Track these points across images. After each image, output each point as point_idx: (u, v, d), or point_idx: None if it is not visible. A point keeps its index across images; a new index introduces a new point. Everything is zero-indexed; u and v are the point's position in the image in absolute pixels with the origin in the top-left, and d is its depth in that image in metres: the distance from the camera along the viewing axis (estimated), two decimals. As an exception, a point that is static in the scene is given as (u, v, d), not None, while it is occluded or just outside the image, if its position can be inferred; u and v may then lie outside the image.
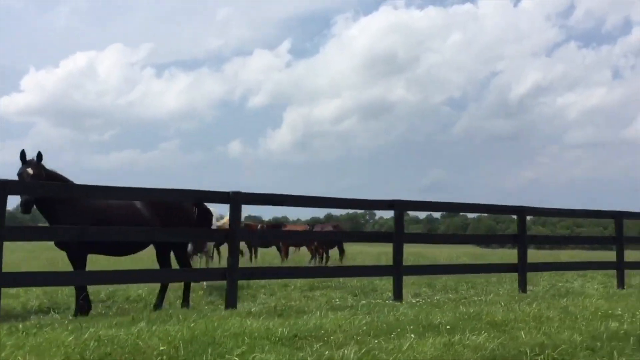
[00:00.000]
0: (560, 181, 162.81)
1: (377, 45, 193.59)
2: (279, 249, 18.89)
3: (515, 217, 9.09)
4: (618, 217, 9.84)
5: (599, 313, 5.98)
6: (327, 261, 17.27)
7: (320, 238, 15.40)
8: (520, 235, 8.79)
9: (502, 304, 6.62)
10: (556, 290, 9.82)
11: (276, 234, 15.81)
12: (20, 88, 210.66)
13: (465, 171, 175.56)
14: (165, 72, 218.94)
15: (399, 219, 7.71)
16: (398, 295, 7.38)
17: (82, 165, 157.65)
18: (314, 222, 20.49)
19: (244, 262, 14.75)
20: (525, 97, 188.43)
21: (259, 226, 18.77)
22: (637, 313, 5.92)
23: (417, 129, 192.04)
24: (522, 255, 8.67)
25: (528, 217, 9.04)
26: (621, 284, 9.66)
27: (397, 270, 7.54)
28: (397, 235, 7.64)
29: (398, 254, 7.54)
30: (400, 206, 7.77)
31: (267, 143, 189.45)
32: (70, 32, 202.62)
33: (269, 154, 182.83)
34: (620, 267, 9.73)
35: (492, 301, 7.05)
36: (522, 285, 8.61)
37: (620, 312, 5.97)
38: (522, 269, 8.67)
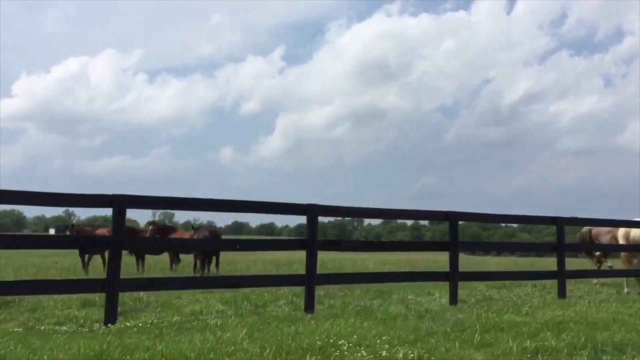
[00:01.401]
0: (551, 188, 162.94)
1: (369, 52, 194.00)
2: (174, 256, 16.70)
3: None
4: (559, 222, 9.37)
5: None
6: (206, 271, 15.09)
7: (201, 247, 13.04)
8: (453, 242, 8.33)
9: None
10: (488, 300, 9.31)
11: (151, 242, 13.63)
12: (11, 93, 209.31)
13: (456, 178, 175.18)
14: (157, 78, 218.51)
15: (312, 223, 7.20)
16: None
17: (73, 171, 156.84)
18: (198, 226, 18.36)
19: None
20: (517, 104, 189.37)
21: (149, 231, 15.98)
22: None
23: (409, 136, 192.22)
24: (454, 260, 8.18)
25: (460, 222, 8.58)
26: (562, 292, 9.17)
27: (309, 280, 7.04)
28: (309, 241, 7.14)
29: (310, 261, 7.04)
30: (314, 211, 7.26)
31: (259, 149, 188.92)
32: (61, 36, 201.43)
33: (260, 160, 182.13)
34: (562, 275, 9.25)
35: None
36: (453, 297, 8.12)
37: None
38: (453, 276, 8.19)
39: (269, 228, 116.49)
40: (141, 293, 8.35)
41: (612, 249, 11.72)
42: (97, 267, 15.82)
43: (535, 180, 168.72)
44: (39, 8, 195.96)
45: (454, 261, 8.18)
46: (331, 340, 4.73)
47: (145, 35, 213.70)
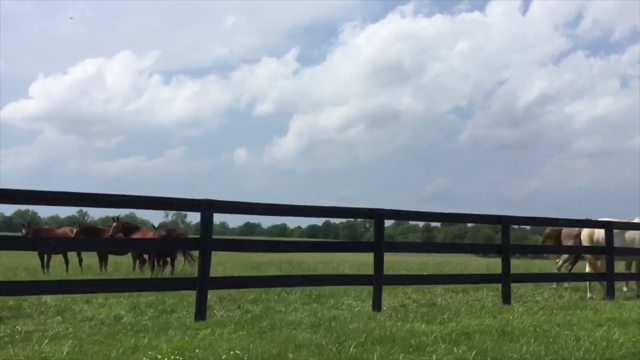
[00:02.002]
0: (566, 190, 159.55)
1: (383, 53, 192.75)
2: (136, 256, 15.94)
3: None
4: (504, 222, 8.55)
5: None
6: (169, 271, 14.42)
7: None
8: (378, 242, 7.59)
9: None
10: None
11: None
12: (28, 94, 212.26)
13: (470, 180, 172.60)
14: (172, 79, 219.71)
15: (207, 222, 6.52)
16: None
17: (88, 172, 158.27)
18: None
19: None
20: (531, 105, 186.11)
21: (112, 229, 14.67)
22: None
23: (422, 138, 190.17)
24: (379, 262, 7.46)
25: (387, 222, 7.87)
26: (507, 298, 8.35)
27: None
28: (202, 241, 6.48)
29: (203, 263, 6.36)
30: (211, 208, 6.59)
31: (273, 151, 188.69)
32: (78, 38, 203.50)
33: (274, 162, 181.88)
34: (507, 279, 8.43)
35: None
36: (376, 303, 7.37)
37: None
38: (377, 281, 7.45)
39: (281, 229, 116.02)
40: (46, 297, 7.85)
41: (553, 250, 10.82)
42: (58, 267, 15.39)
43: (550, 182, 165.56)
44: (54, 10, 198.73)
45: (379, 264, 7.43)
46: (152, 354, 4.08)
47: (161, 37, 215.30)
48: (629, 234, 10.53)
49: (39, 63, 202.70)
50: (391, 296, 9.40)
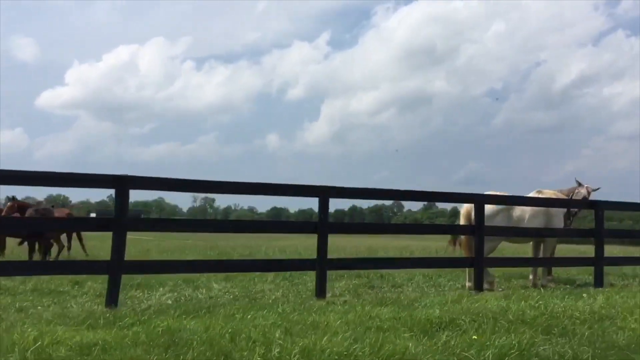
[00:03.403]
0: (603, 174, 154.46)
1: (416, 36, 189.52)
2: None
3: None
4: (478, 201, 7.66)
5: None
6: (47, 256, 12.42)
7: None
8: (322, 223, 6.83)
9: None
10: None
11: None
12: (64, 82, 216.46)
13: (504, 164, 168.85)
14: (204, 65, 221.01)
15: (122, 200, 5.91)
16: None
17: (123, 157, 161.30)
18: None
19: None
20: (569, 87, 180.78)
21: (7, 209, 12.50)
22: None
23: (456, 121, 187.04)
24: (322, 245, 6.76)
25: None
26: (477, 285, 7.52)
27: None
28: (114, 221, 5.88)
29: (116, 242, 5.75)
30: (125, 184, 5.98)
31: (304, 136, 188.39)
32: (111, 26, 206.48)
33: (305, 147, 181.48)
34: (477, 264, 7.58)
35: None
36: (319, 287, 6.66)
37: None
38: (320, 265, 6.72)
39: (308, 214, 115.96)
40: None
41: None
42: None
43: (587, 166, 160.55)
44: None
45: (322, 247, 6.71)
46: None
47: (193, 23, 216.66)
48: (518, 211, 8.81)
49: (74, 50, 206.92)
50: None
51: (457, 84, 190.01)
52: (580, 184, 9.70)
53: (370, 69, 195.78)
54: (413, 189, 8.01)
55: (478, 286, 7.51)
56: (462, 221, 8.79)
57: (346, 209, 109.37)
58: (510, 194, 8.76)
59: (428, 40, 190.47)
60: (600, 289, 7.79)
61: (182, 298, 6.71)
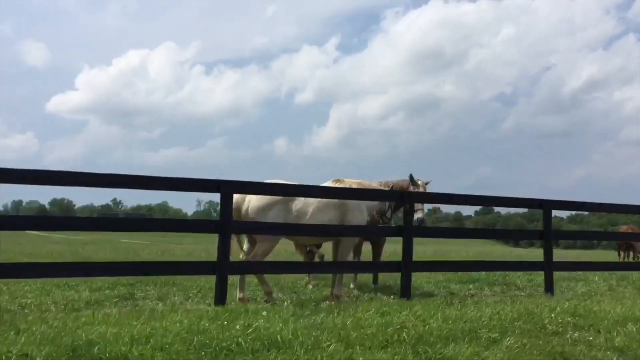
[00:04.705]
0: (613, 179, 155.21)
1: (425, 40, 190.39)
2: None
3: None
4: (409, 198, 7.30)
5: None
6: None
7: None
8: (222, 222, 6.10)
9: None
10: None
11: None
12: (74, 86, 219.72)
13: (513, 169, 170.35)
14: (213, 70, 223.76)
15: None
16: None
17: (132, 161, 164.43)
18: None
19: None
20: (578, 91, 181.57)
21: None
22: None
23: (464, 126, 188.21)
24: (224, 246, 6.15)
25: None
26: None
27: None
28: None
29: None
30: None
31: (313, 140, 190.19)
32: (121, 31, 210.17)
33: (314, 151, 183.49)
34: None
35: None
36: (220, 297, 5.98)
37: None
38: (221, 268, 6.14)
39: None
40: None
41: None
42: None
43: (597, 171, 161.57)
44: (98, 4, 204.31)
45: (223, 248, 6.08)
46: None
47: (202, 28, 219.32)
48: (300, 204, 6.87)
49: (85, 55, 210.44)
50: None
51: (466, 89, 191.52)
52: (413, 181, 8.40)
53: (379, 73, 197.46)
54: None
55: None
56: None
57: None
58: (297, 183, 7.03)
59: (437, 44, 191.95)
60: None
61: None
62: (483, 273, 9.81)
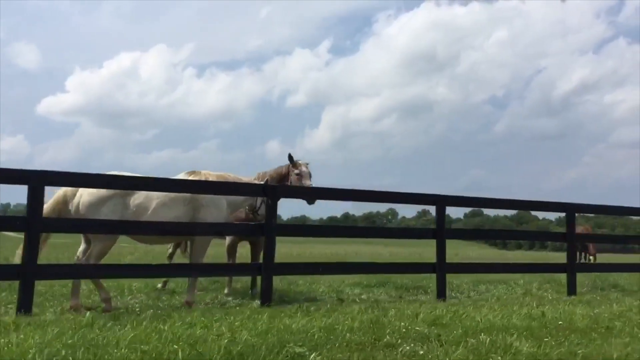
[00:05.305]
0: (605, 182, 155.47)
1: (417, 43, 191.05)
2: None
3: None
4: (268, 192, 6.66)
5: None
6: None
7: None
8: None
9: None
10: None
11: None
12: (65, 88, 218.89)
13: (505, 171, 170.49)
14: (205, 72, 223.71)
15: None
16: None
17: (124, 164, 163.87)
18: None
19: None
20: (570, 94, 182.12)
21: None
22: None
23: (457, 128, 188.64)
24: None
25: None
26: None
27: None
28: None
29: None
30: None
31: (305, 142, 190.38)
32: (113, 32, 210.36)
33: (307, 154, 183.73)
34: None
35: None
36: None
37: None
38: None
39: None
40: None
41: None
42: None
43: (589, 174, 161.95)
44: (91, 4, 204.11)
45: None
46: None
47: (196, 30, 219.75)
48: (140, 198, 6.18)
49: (76, 57, 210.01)
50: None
51: (459, 91, 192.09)
52: (293, 162, 7.99)
53: (372, 75, 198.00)
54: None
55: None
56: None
57: (339, 215, 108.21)
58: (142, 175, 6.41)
59: (429, 47, 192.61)
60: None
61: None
62: (398, 276, 9.25)
